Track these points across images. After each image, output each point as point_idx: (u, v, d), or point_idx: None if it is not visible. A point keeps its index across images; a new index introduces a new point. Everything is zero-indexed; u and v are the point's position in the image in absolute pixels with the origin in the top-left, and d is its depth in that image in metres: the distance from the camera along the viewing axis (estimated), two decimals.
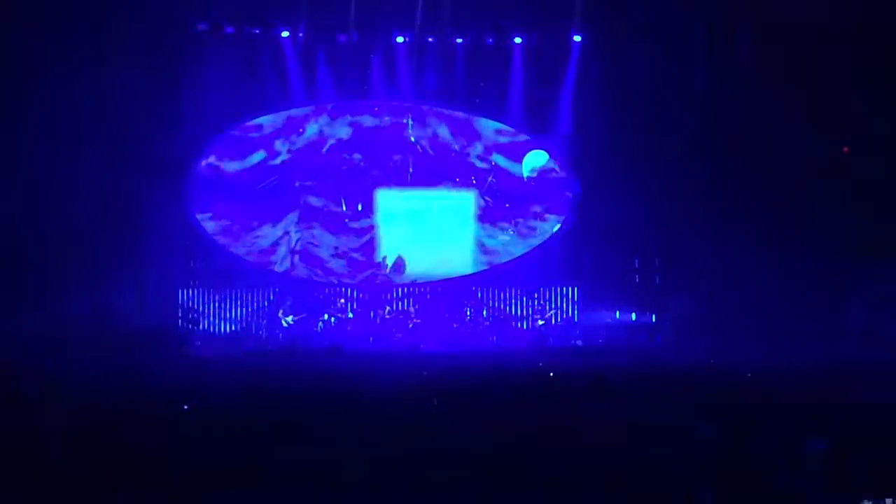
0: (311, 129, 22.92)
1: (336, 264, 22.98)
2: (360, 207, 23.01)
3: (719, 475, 7.54)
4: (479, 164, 23.22)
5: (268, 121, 22.75)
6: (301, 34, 21.98)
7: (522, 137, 23.20)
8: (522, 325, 22.57)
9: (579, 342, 21.68)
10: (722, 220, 20.00)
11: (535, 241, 23.34)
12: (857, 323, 19.14)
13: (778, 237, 19.59)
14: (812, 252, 19.40)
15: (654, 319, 21.33)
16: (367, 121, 23.04)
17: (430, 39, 22.27)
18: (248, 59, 21.91)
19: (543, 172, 23.27)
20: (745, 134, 20.32)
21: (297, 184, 22.79)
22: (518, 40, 22.36)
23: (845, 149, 20.83)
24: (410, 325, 21.80)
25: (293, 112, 22.81)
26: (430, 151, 23.18)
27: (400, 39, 22.25)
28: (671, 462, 7.98)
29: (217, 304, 22.24)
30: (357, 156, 22.97)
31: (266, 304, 22.31)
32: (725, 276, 20.17)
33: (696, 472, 7.69)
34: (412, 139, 23.16)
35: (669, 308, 21.00)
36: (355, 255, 23.07)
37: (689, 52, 20.76)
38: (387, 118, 23.08)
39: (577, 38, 22.21)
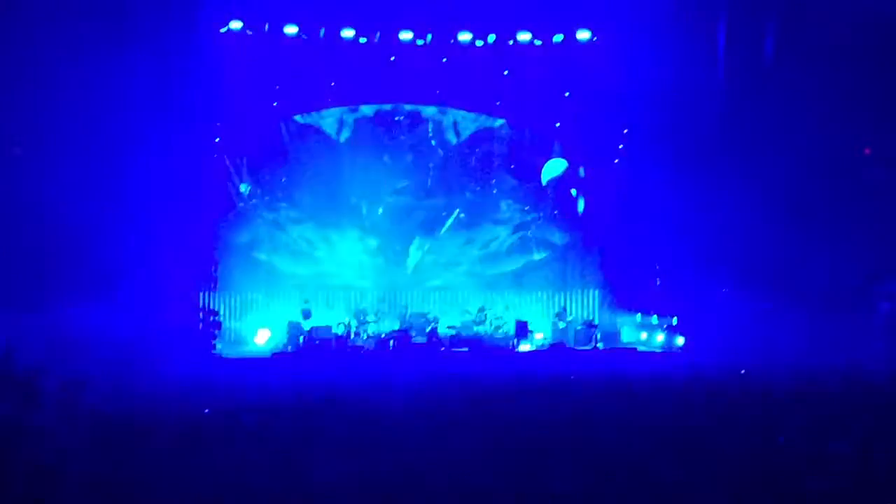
0: (329, 130, 22.96)
1: (356, 268, 23.01)
2: (379, 211, 23.02)
3: (743, 480, 7.49)
4: (500, 167, 23.26)
5: (286, 121, 22.82)
6: (320, 36, 22.01)
7: (540, 139, 23.23)
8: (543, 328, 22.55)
9: (600, 345, 21.59)
10: (744, 219, 19.86)
11: (555, 245, 23.34)
12: (883, 324, 18.98)
13: (803, 237, 19.44)
14: (838, 253, 19.24)
15: (675, 322, 21.22)
16: (386, 123, 23.06)
17: (450, 41, 22.28)
18: (269, 59, 21.96)
19: (562, 179, 23.29)
20: (768, 130, 20.16)
21: (315, 185, 22.88)
22: (538, 42, 22.35)
23: (867, 150, 20.68)
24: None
25: (312, 113, 22.88)
26: (451, 154, 23.19)
27: (420, 42, 22.24)
28: (692, 468, 7.93)
29: (238, 307, 22.32)
30: (376, 158, 23.02)
31: (287, 306, 22.35)
32: (748, 277, 20.04)
33: (720, 475, 7.63)
34: (433, 143, 23.17)
35: (691, 311, 20.89)
36: (375, 259, 23.10)
37: (710, 49, 20.62)
38: (406, 120, 23.10)
39: (595, 39, 22.22)
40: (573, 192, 23.31)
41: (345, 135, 22.99)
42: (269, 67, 21.98)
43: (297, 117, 22.80)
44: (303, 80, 22.27)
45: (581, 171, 23.27)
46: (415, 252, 23.20)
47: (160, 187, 20.16)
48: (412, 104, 23.09)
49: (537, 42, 22.33)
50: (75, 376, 11.81)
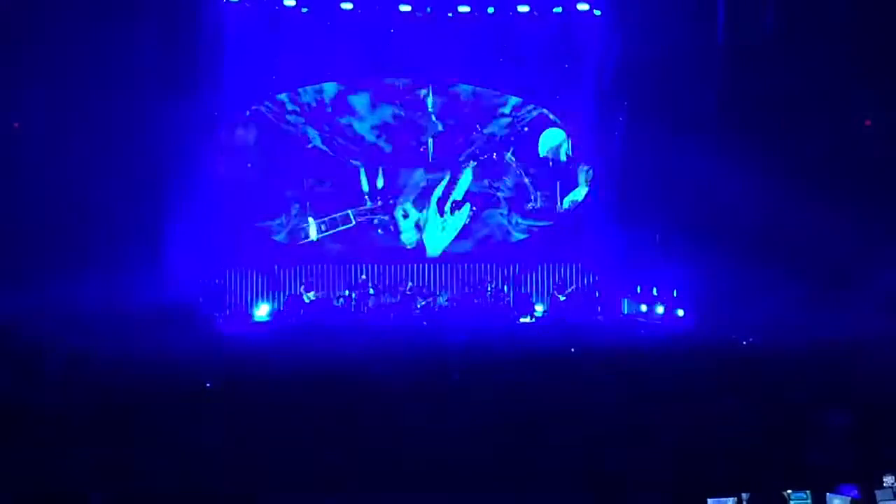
0: (330, 104, 22.92)
1: (356, 241, 23.02)
2: (380, 185, 23.01)
3: (743, 452, 7.51)
4: (499, 141, 23.23)
5: (288, 95, 22.78)
6: (322, 6, 21.91)
7: (540, 111, 23.18)
8: (543, 300, 22.59)
9: (600, 317, 21.63)
10: (744, 191, 19.84)
11: (556, 216, 23.33)
12: (883, 294, 18.99)
13: (804, 208, 19.41)
14: (841, 224, 19.22)
15: (675, 294, 21.24)
16: (386, 96, 23.01)
17: (448, 14, 22.20)
18: (270, 32, 21.90)
19: (560, 150, 23.26)
20: (769, 101, 20.09)
21: (313, 157, 22.88)
22: (537, 14, 22.29)
23: (867, 122, 20.61)
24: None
25: (315, 86, 22.82)
26: (451, 127, 23.16)
27: (419, 14, 22.17)
28: (693, 438, 7.96)
29: (241, 281, 22.35)
30: (376, 132, 22.99)
31: (289, 280, 22.39)
32: (748, 249, 20.03)
33: (718, 447, 7.66)
34: (433, 118, 23.12)
35: (691, 283, 20.89)
36: (375, 231, 23.10)
37: (711, 20, 20.53)
38: (406, 94, 23.05)
39: (598, 13, 22.15)
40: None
41: (340, 107, 22.96)
42: (268, 41, 21.90)
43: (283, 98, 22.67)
44: (302, 54, 22.19)
45: (579, 144, 23.26)
46: (415, 224, 23.18)
47: (164, 162, 20.20)
48: (411, 77, 23.03)
49: (536, 14, 22.27)
50: (78, 352, 11.84)
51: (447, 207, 23.09)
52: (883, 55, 19.18)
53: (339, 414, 9.14)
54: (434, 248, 23.06)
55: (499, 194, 23.20)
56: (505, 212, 23.21)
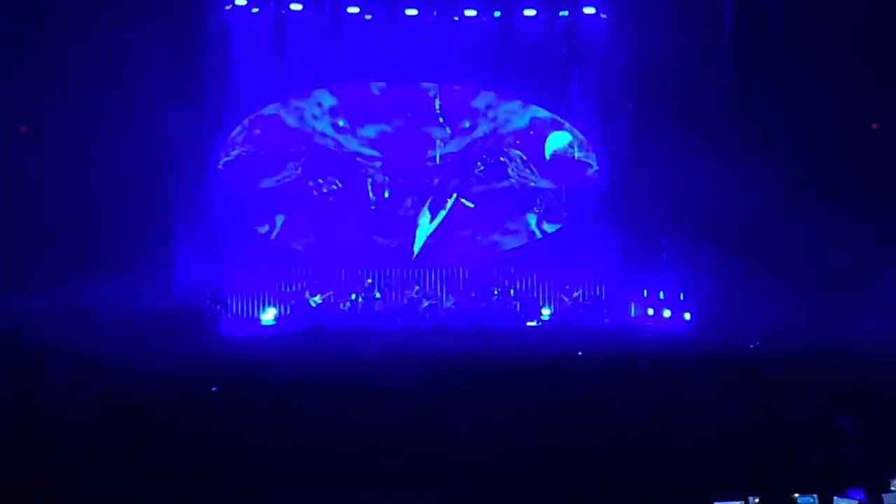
0: (335, 109, 22.90)
1: (363, 245, 22.98)
2: (386, 194, 22.97)
3: (750, 454, 7.50)
4: (506, 144, 23.20)
5: (294, 101, 22.77)
6: (327, 13, 21.89)
7: (546, 114, 23.16)
8: (550, 304, 22.56)
9: (607, 321, 21.60)
10: (750, 196, 19.81)
11: (563, 220, 23.29)
12: (888, 298, 18.95)
13: (811, 213, 19.38)
14: (846, 230, 19.18)
15: (682, 298, 21.21)
16: (393, 100, 22.97)
17: (455, 17, 22.16)
18: (276, 38, 21.86)
19: (567, 153, 23.22)
20: (775, 106, 20.07)
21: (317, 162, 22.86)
22: (542, 16, 22.26)
23: (874, 125, 20.60)
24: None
25: (320, 91, 22.81)
26: (458, 132, 23.13)
27: (425, 18, 22.15)
28: (700, 441, 7.94)
29: (245, 286, 22.32)
30: (383, 138, 22.96)
31: (294, 284, 22.35)
32: (756, 253, 20.01)
33: (727, 450, 7.65)
34: (440, 120, 23.08)
35: (698, 286, 20.86)
36: (382, 238, 23.05)
37: (717, 24, 20.52)
38: (413, 99, 23.02)
39: (604, 16, 22.13)
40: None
41: (345, 112, 22.93)
42: (274, 46, 21.88)
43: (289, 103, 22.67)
44: (307, 59, 22.12)
45: (586, 147, 23.23)
46: (421, 230, 23.15)
47: (169, 166, 20.22)
48: (418, 80, 23.00)
49: (543, 17, 22.23)
50: (83, 355, 11.85)
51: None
52: (890, 58, 19.18)
53: (343, 418, 9.14)
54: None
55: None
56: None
